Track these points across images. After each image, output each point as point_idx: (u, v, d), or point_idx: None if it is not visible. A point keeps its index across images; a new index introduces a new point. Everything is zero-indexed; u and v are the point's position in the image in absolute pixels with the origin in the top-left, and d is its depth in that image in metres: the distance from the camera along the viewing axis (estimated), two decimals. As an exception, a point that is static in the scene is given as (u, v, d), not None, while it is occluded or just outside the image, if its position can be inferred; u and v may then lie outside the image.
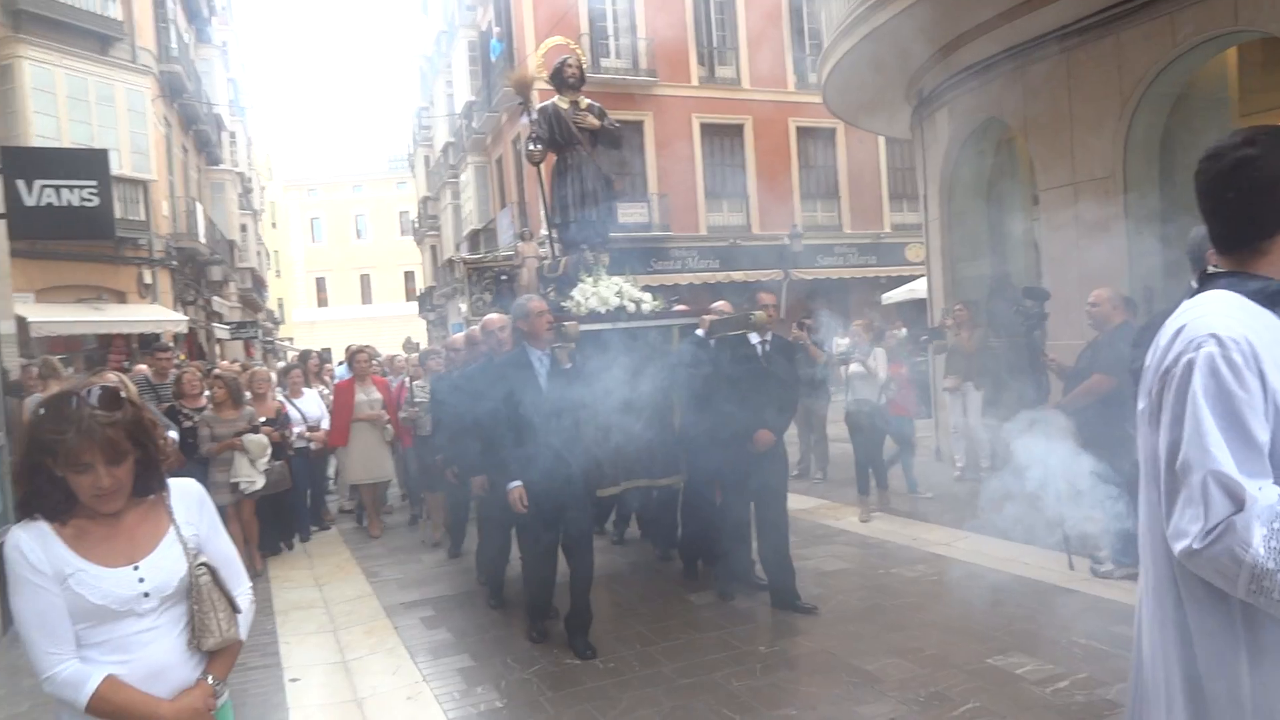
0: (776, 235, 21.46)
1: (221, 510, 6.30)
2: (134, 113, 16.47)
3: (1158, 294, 7.62)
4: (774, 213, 22.44)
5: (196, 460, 6.74)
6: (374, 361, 9.63)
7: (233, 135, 30.46)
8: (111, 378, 5.35)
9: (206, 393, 7.20)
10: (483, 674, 4.57)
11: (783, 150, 23.08)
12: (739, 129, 22.67)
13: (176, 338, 17.58)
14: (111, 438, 1.84)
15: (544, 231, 6.85)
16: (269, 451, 7.00)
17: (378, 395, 8.48)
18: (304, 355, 10.69)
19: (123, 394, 1.94)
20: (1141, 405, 1.69)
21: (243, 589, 2.16)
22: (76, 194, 6.50)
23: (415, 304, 41.78)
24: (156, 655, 1.96)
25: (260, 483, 6.94)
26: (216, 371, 8.08)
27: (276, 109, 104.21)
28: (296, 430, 8.08)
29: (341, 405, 8.37)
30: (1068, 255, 7.87)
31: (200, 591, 2.01)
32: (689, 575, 6.04)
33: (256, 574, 6.87)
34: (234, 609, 2.09)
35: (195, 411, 6.98)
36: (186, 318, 18.38)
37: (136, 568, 1.93)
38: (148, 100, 17.02)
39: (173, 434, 5.51)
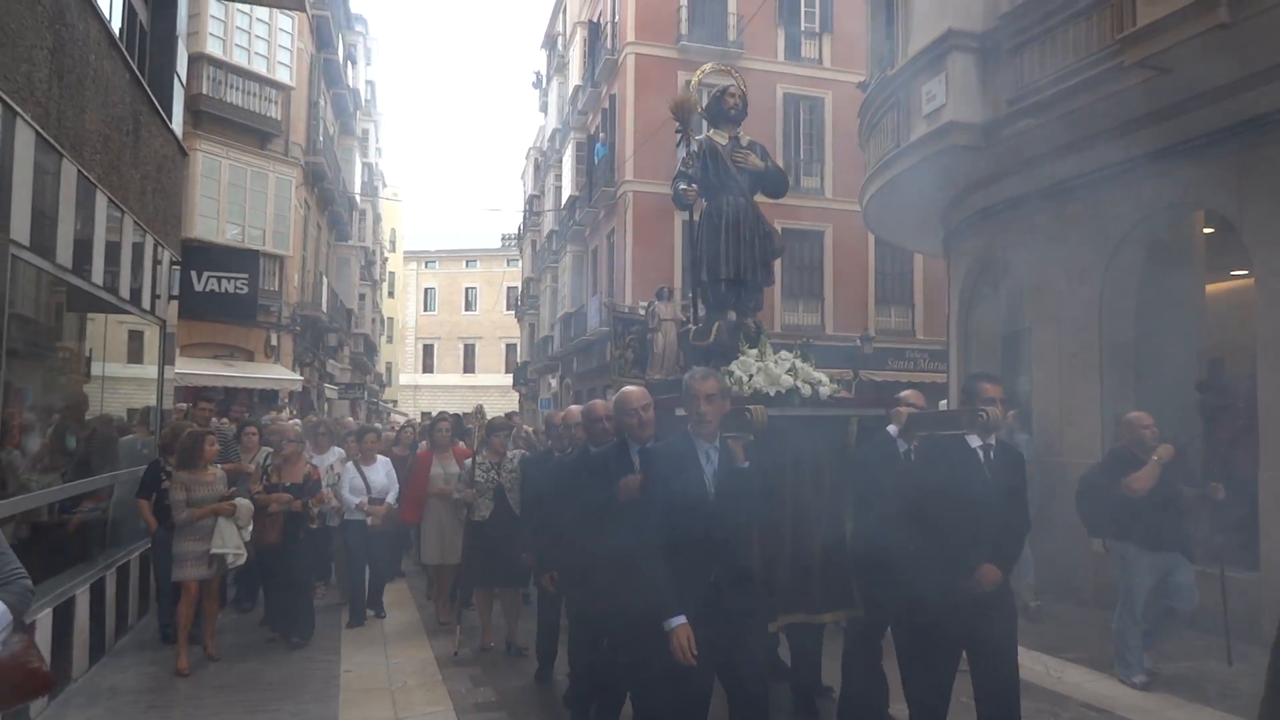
0: (849, 337, 22.54)
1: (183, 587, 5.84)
2: (280, 198, 19.13)
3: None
4: (848, 315, 23.61)
5: (167, 527, 6.20)
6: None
7: (362, 213, 33.69)
8: None
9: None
10: None
11: (861, 258, 24.30)
12: (820, 235, 24.07)
13: (291, 395, 19.82)
14: None
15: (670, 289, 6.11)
16: (251, 519, 6.31)
17: (455, 469, 7.29)
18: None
19: None
20: None
21: None
22: (233, 284, 8.43)
23: (512, 376, 44.22)
24: None
25: (244, 556, 6.21)
26: (195, 425, 7.19)
27: (405, 187, 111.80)
28: (356, 501, 7.49)
29: (417, 477, 7.52)
30: (1050, 385, 8.81)
31: None
32: None
33: (183, 675, 5.76)
34: None
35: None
36: (301, 378, 20.64)
37: None
38: (293, 187, 19.69)
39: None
